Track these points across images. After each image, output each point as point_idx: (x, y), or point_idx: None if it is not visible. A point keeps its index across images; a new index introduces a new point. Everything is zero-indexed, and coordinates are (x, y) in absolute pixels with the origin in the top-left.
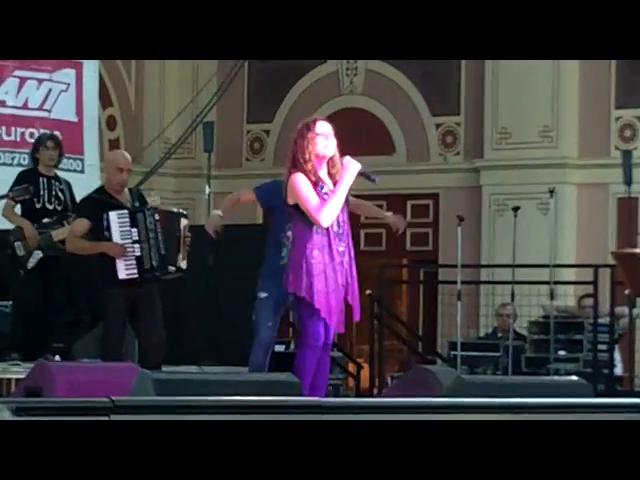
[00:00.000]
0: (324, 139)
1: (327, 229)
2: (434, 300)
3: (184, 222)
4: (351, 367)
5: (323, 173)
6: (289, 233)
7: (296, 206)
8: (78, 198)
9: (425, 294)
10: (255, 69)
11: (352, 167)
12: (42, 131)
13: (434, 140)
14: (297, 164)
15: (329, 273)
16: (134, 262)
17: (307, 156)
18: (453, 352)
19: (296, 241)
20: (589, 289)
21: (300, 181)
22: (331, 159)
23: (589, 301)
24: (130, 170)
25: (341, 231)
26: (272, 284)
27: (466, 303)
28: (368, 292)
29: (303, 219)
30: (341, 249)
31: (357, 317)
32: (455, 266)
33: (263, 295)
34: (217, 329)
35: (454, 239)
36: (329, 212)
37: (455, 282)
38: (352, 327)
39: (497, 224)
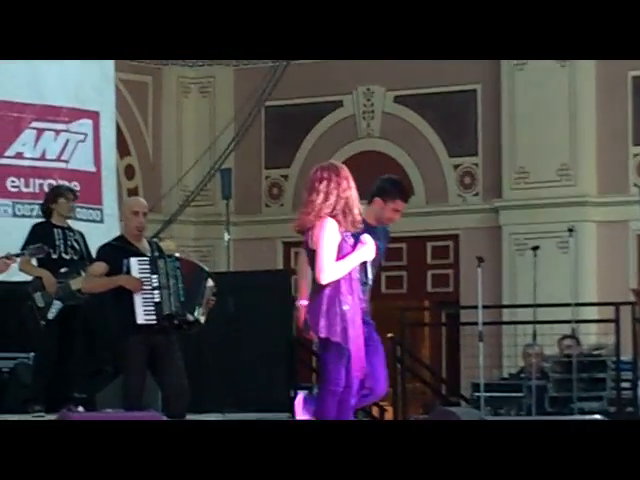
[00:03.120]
0: (354, 187)
1: (356, 276)
2: (456, 341)
3: (210, 283)
4: (375, 410)
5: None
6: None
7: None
8: (95, 248)
9: (447, 336)
10: (272, 114)
11: (369, 248)
12: (61, 182)
13: (452, 181)
14: (326, 210)
15: (357, 319)
16: (153, 308)
17: (338, 202)
18: (476, 393)
19: (326, 286)
20: (610, 327)
21: (329, 230)
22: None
23: (568, 341)
24: (146, 214)
25: (370, 283)
26: None
27: (488, 344)
28: (390, 335)
29: None
30: (362, 297)
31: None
32: (476, 307)
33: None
34: (239, 375)
35: (475, 280)
36: (333, 274)
37: (477, 323)
38: None
39: (517, 264)
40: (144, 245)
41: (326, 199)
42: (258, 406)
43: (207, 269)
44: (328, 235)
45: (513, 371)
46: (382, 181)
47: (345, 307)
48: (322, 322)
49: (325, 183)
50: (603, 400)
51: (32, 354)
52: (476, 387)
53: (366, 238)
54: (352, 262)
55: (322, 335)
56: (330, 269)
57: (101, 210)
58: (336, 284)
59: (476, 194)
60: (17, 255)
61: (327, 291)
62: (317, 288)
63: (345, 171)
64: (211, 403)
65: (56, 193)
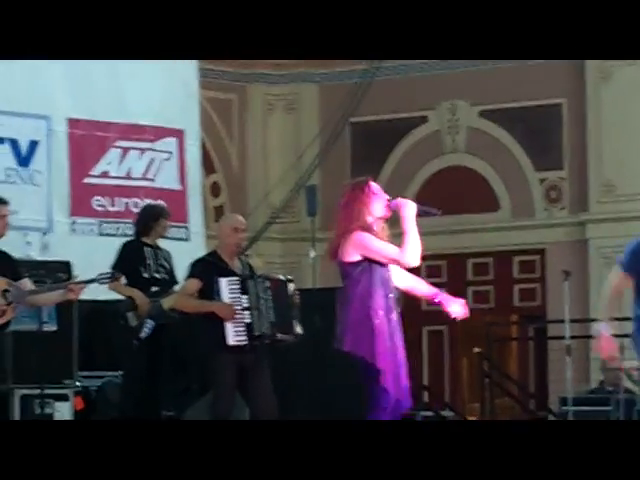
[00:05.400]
0: (382, 201)
1: (386, 291)
2: (544, 356)
3: (291, 287)
4: None
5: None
6: None
7: (356, 264)
8: (183, 266)
9: (535, 350)
10: (357, 130)
11: (409, 205)
12: (147, 201)
13: (539, 195)
14: (361, 224)
15: (388, 333)
16: (244, 329)
17: (369, 217)
18: (564, 407)
19: (356, 301)
20: None
21: (367, 236)
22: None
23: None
24: (245, 230)
25: (396, 297)
26: None
27: (576, 358)
28: (477, 350)
29: (365, 277)
30: (397, 312)
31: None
32: (563, 321)
33: None
34: (327, 392)
35: (562, 294)
36: (414, 251)
37: (564, 337)
38: (463, 386)
39: (604, 277)
40: (236, 263)
41: (359, 214)
42: None
43: (286, 276)
44: (371, 239)
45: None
46: None
47: (376, 321)
48: (348, 336)
49: (361, 199)
50: None
51: (120, 372)
52: (564, 401)
53: (399, 199)
54: (414, 228)
55: (346, 349)
56: (405, 250)
57: (187, 228)
58: (367, 299)
59: (562, 208)
60: (88, 282)
61: (357, 306)
62: (351, 304)
63: (377, 187)
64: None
65: (158, 212)
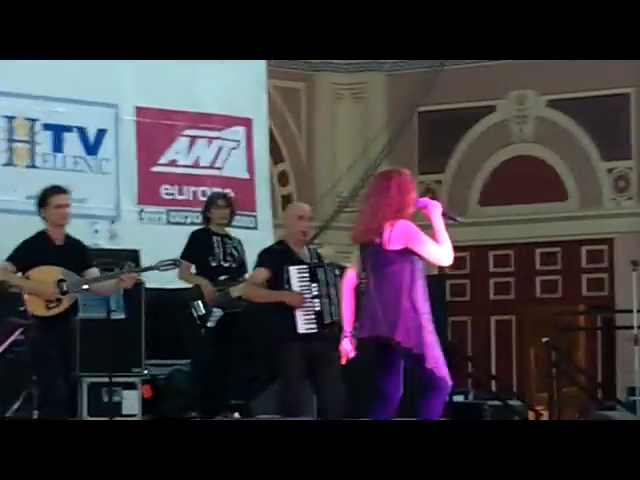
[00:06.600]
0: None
1: (424, 281)
2: (612, 346)
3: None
4: (531, 415)
5: None
6: None
7: (399, 252)
8: (251, 255)
9: (602, 340)
10: (425, 120)
11: (436, 205)
12: (214, 189)
13: (607, 185)
14: (403, 213)
15: (432, 324)
16: (314, 317)
17: (411, 208)
18: (632, 397)
19: (404, 291)
20: None
21: (415, 228)
22: None
23: None
24: (311, 218)
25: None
26: None
27: None
28: (545, 339)
29: (408, 267)
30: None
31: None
32: (631, 311)
33: None
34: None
35: (630, 284)
36: (449, 250)
37: (632, 327)
38: (531, 375)
39: None
40: (304, 251)
41: (405, 204)
42: (412, 414)
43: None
44: (419, 231)
45: None
46: None
47: (424, 313)
48: (401, 327)
49: (407, 190)
50: None
51: (188, 361)
52: (631, 391)
53: (426, 199)
54: (443, 228)
55: (397, 339)
56: (445, 248)
57: (255, 217)
58: (413, 288)
59: (630, 198)
60: (145, 269)
61: (408, 296)
62: (403, 294)
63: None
64: (365, 409)
65: (209, 201)
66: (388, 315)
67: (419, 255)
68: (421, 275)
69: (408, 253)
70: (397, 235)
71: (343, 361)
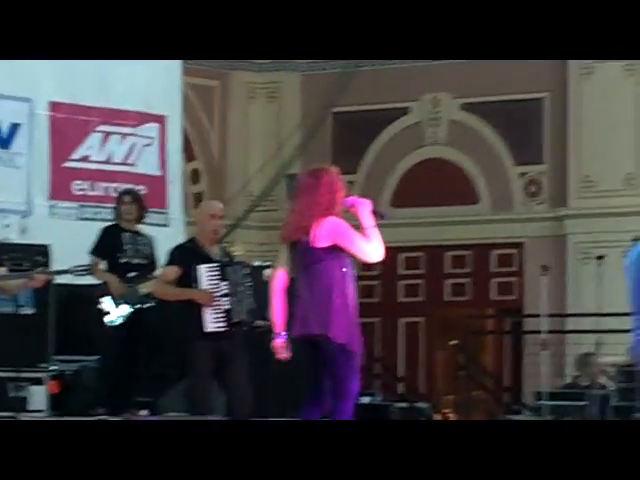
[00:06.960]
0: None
1: (353, 278)
2: (519, 350)
3: (268, 272)
4: (438, 417)
5: None
6: None
7: (327, 249)
8: (163, 252)
9: (511, 344)
10: (339, 120)
11: (365, 203)
12: (125, 186)
13: (518, 189)
14: (332, 211)
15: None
16: (223, 315)
17: (339, 205)
18: (538, 402)
19: (336, 288)
20: None
21: (344, 224)
22: None
23: None
24: (222, 217)
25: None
26: None
27: (552, 352)
28: (453, 342)
29: (337, 264)
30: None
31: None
32: (540, 315)
33: None
34: (301, 380)
35: (539, 288)
36: (380, 247)
37: (540, 332)
38: (438, 378)
39: (582, 273)
40: (215, 250)
41: (333, 201)
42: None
43: (261, 263)
44: (349, 228)
45: (575, 380)
46: None
47: (352, 310)
48: (336, 323)
49: (335, 188)
50: None
51: (96, 357)
52: (538, 395)
53: (353, 198)
54: (373, 224)
55: (330, 335)
56: (374, 245)
57: (167, 214)
58: (342, 286)
59: (541, 202)
60: (58, 272)
61: (335, 291)
62: (329, 290)
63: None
64: (274, 408)
65: (117, 198)
66: (320, 313)
67: (348, 251)
68: (351, 272)
69: (337, 250)
70: (325, 232)
71: (282, 358)
